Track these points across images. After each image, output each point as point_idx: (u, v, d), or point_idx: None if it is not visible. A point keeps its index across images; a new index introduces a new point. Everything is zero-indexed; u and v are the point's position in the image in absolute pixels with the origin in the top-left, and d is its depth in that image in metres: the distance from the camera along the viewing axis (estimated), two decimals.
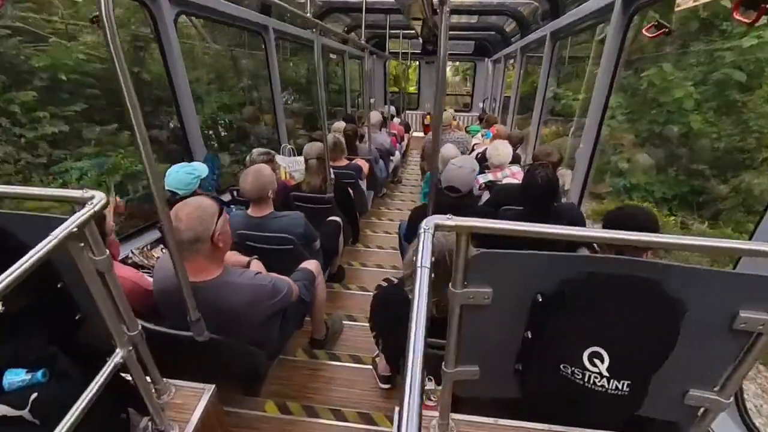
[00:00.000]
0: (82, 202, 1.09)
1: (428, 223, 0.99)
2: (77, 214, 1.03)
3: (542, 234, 0.99)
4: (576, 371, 1.07)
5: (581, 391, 1.08)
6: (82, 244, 1.05)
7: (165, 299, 1.81)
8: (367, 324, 3.02)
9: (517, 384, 1.33)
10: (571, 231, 0.97)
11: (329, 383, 2.45)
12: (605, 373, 1.04)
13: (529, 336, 1.21)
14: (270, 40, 4.47)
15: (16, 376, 1.25)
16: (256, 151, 3.44)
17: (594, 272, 1.02)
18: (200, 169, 2.74)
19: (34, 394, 1.22)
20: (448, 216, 1.01)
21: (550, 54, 4.30)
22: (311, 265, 2.54)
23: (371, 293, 3.47)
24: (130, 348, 1.24)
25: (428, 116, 12.62)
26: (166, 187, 2.58)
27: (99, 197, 1.08)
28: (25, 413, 1.18)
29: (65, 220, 1.09)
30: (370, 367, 2.56)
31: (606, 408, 1.11)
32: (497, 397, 1.57)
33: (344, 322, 3.01)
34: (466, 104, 13.01)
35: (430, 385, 1.61)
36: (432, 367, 1.74)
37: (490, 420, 1.49)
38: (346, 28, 8.55)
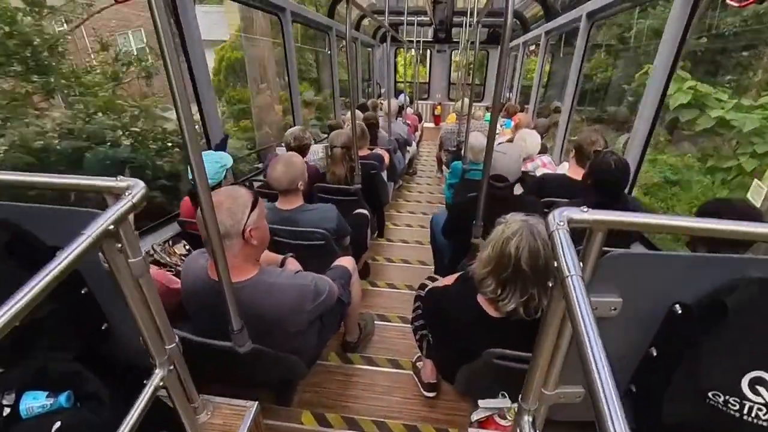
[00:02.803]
0: (117, 193, 0.88)
1: (560, 218, 0.77)
2: (113, 208, 0.82)
3: (708, 231, 0.77)
4: (731, 401, 0.86)
5: (736, 425, 0.87)
6: (120, 245, 0.84)
7: (196, 303, 1.61)
8: (401, 324, 2.84)
9: (629, 409, 1.13)
10: (753, 228, 0.75)
11: (367, 390, 2.25)
12: None
13: (654, 354, 1.00)
14: (287, 23, 4.23)
15: (35, 401, 1.05)
16: (291, 130, 3.24)
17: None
18: (226, 158, 2.53)
19: (57, 423, 1.02)
20: (582, 208, 0.79)
21: (586, 36, 4.05)
22: (346, 261, 2.33)
23: (400, 291, 3.29)
24: (171, 367, 1.03)
25: (439, 106, 12.35)
26: (190, 179, 2.37)
27: (138, 186, 0.88)
28: None
29: (96, 214, 0.88)
30: (410, 372, 2.36)
31: None
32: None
33: (376, 322, 2.81)
34: (477, 94, 12.73)
35: (505, 402, 1.40)
36: (509, 380, 1.55)
37: None
38: (358, 16, 8.28)
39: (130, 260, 0.91)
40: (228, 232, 1.43)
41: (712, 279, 0.87)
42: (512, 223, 1.45)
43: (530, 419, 0.95)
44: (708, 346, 0.87)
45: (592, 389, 0.54)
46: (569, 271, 0.67)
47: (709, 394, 0.88)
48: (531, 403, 0.94)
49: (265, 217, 1.62)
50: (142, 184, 0.90)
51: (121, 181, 0.89)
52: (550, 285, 0.79)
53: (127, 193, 0.87)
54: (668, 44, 2.45)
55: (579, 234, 0.80)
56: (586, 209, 0.79)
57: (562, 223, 0.77)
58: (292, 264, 1.95)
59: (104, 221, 0.79)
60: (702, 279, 0.88)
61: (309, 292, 1.60)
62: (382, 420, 2.01)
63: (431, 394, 2.17)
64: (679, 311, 0.90)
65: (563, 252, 0.71)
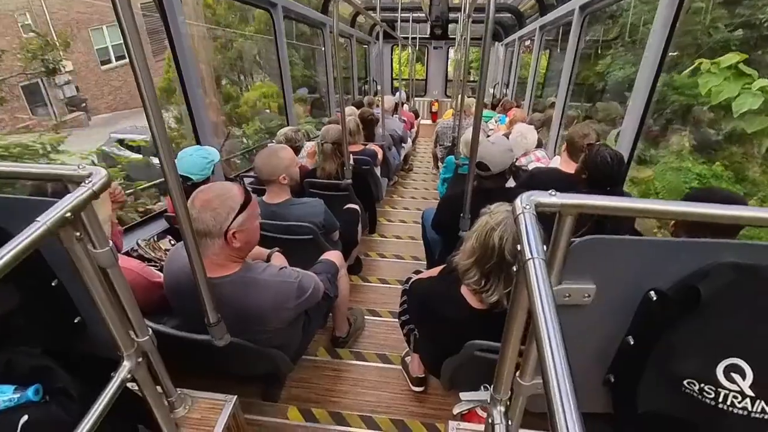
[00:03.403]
0: (77, 181, 0.86)
1: (527, 201, 0.75)
2: (70, 195, 0.80)
3: (684, 215, 0.75)
4: (706, 389, 0.84)
5: (712, 413, 0.85)
6: (78, 234, 0.82)
7: (178, 295, 1.59)
8: (391, 319, 2.82)
9: (609, 398, 1.11)
10: (738, 211, 0.73)
11: (356, 386, 2.23)
12: (748, 392, 0.81)
13: (631, 342, 0.98)
14: (278, 18, 4.20)
15: (2, 395, 1.03)
16: (283, 130, 3.22)
17: (743, 264, 0.79)
18: (213, 153, 2.50)
19: (24, 417, 1.00)
20: (550, 192, 0.77)
21: (579, 30, 4.02)
22: (333, 256, 2.31)
23: (392, 286, 3.27)
24: (140, 359, 1.01)
25: (436, 103, 12.31)
26: (179, 172, 2.35)
27: (99, 174, 0.85)
28: None
29: (55, 202, 0.86)
30: (399, 367, 2.34)
31: None
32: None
33: (366, 317, 2.79)
34: (474, 90, 12.68)
35: (486, 395, 1.38)
36: (488, 372, 1.53)
37: None
38: (354, 12, 8.24)
39: (95, 251, 0.89)
40: (209, 231, 1.41)
41: (687, 264, 0.85)
42: (497, 213, 1.43)
43: (502, 409, 0.93)
44: (682, 333, 0.85)
45: (546, 379, 0.51)
46: (531, 254, 0.65)
47: (685, 383, 0.86)
48: (503, 393, 0.92)
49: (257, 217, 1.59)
50: (104, 172, 0.88)
51: (82, 169, 0.86)
52: (515, 270, 0.77)
53: (87, 181, 0.85)
54: (658, 34, 2.42)
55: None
56: (554, 193, 0.77)
57: (528, 207, 0.75)
58: (278, 259, 1.93)
59: (59, 209, 0.77)
60: (677, 264, 0.86)
61: (292, 289, 1.57)
62: (369, 415, 1.99)
63: (419, 389, 2.16)
64: (654, 298, 0.88)
65: (527, 235, 0.69)
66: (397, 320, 2.74)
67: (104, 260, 0.93)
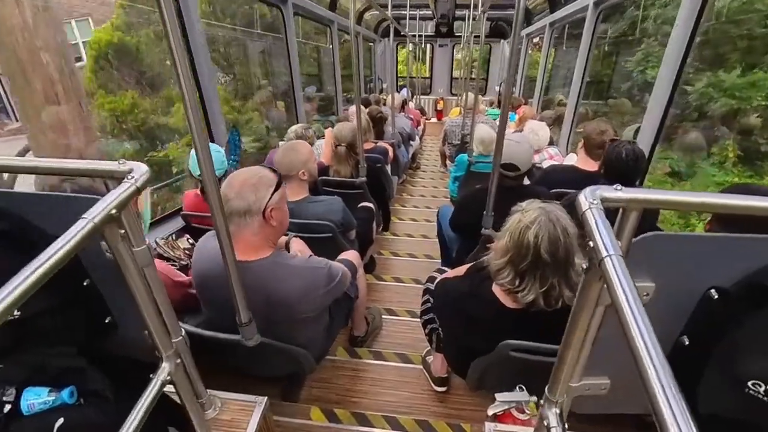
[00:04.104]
0: (119, 177, 0.83)
1: (592, 197, 0.72)
2: (116, 191, 0.77)
3: (756, 209, 0.72)
4: None
5: None
6: (123, 231, 0.79)
7: (206, 285, 1.57)
8: (409, 319, 2.80)
9: None
10: None
11: (375, 385, 2.21)
12: None
13: (686, 342, 0.95)
14: (289, 15, 4.17)
15: (37, 397, 1.00)
16: (293, 127, 3.19)
17: None
18: (222, 150, 2.49)
19: (60, 420, 0.98)
20: (615, 186, 0.74)
21: (593, 27, 3.98)
22: (351, 255, 2.28)
23: (408, 285, 3.24)
24: (178, 360, 0.99)
25: (441, 101, 12.26)
26: (195, 173, 2.32)
27: (141, 170, 0.83)
28: None
29: (96, 200, 0.83)
30: (419, 367, 2.31)
31: None
32: (620, 413, 1.33)
33: (383, 316, 2.76)
34: (480, 88, 12.63)
35: (523, 396, 1.35)
36: (527, 372, 1.50)
37: None
38: (361, 9, 8.20)
39: (134, 249, 0.86)
40: (250, 209, 1.44)
41: (750, 261, 0.82)
42: (529, 211, 1.40)
43: (558, 411, 0.90)
44: (748, 332, 0.82)
45: (645, 378, 0.49)
46: (608, 251, 0.62)
47: (749, 384, 0.83)
48: (559, 395, 0.89)
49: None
50: (145, 167, 0.85)
51: (123, 165, 0.84)
52: (584, 267, 0.74)
53: (129, 177, 0.82)
54: (680, 29, 2.38)
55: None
56: (619, 187, 0.74)
57: (595, 202, 0.72)
58: (297, 244, 1.90)
59: (106, 204, 0.74)
60: (739, 261, 0.83)
61: (322, 276, 1.57)
62: (392, 415, 1.96)
63: (441, 389, 2.13)
64: (715, 296, 0.85)
65: (599, 231, 0.66)
66: (415, 319, 2.73)
67: (142, 259, 0.91)
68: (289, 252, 1.79)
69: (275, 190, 1.49)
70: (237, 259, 1.32)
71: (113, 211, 0.76)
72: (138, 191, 0.82)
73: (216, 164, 2.29)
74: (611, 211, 0.73)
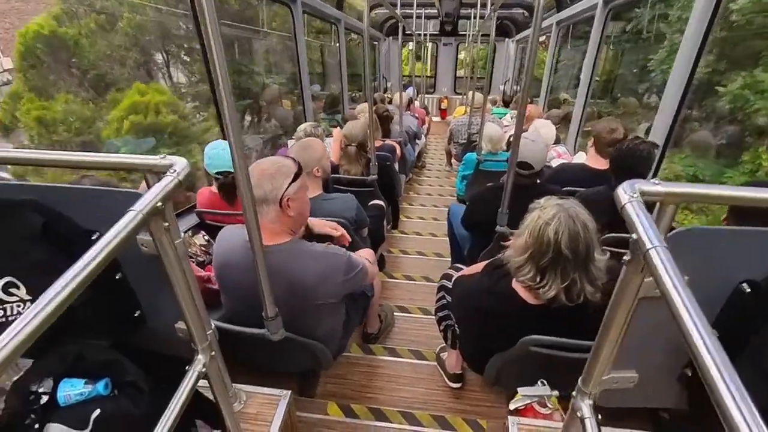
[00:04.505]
0: (159, 171, 0.84)
1: (631, 190, 0.73)
2: (161, 184, 0.78)
3: None
4: None
5: None
6: (167, 224, 0.80)
7: (228, 275, 1.60)
8: (421, 316, 2.81)
9: (683, 393, 1.09)
10: None
11: (390, 381, 2.23)
12: None
13: (716, 336, 0.96)
14: (298, 13, 4.18)
15: (73, 388, 1.02)
16: (303, 126, 3.20)
17: None
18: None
19: (97, 411, 0.99)
20: (653, 180, 0.75)
21: (602, 25, 3.98)
22: (366, 254, 2.29)
23: (419, 282, 3.26)
24: (213, 353, 1.00)
25: (445, 100, 12.26)
26: (214, 171, 2.33)
27: (182, 164, 0.84)
28: None
29: (133, 194, 0.85)
30: (432, 363, 2.33)
31: None
32: (646, 407, 1.34)
33: (395, 314, 2.78)
34: (481, 87, 12.63)
35: (545, 390, 1.37)
36: (548, 368, 1.51)
37: None
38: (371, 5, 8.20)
39: (175, 242, 0.88)
40: (266, 198, 1.46)
41: None
42: (548, 207, 1.41)
43: (591, 403, 0.91)
44: None
45: (704, 370, 0.50)
46: (652, 243, 0.63)
47: None
48: (592, 387, 0.90)
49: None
50: (185, 162, 0.87)
51: (164, 159, 0.85)
52: (627, 259, 0.75)
53: (171, 170, 0.83)
54: (694, 28, 2.39)
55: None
56: (658, 181, 0.76)
57: (635, 195, 0.73)
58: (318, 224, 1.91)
59: (153, 196, 0.76)
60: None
61: (342, 263, 1.59)
62: (409, 411, 1.98)
63: (456, 385, 2.14)
64: (747, 290, 0.86)
65: (642, 223, 0.67)
66: (426, 317, 2.75)
67: (181, 251, 0.92)
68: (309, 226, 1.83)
69: (293, 180, 1.51)
70: None
71: (159, 204, 0.77)
72: (180, 184, 0.83)
73: (226, 161, 2.32)
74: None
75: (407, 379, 2.25)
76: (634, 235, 0.67)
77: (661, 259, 0.61)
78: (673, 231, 0.82)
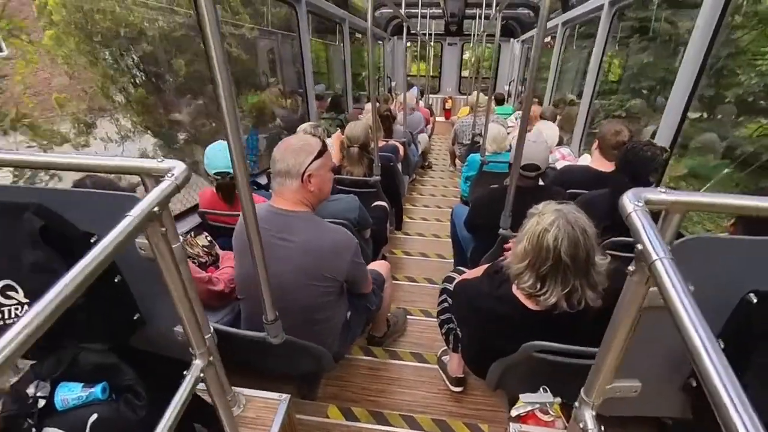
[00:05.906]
0: (157, 175, 0.83)
1: (636, 199, 0.72)
2: (158, 188, 0.77)
3: None
4: None
5: None
6: (164, 229, 0.79)
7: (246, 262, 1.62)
8: (424, 318, 2.80)
9: (688, 403, 1.07)
10: None
11: (391, 384, 2.21)
12: None
13: (721, 346, 0.95)
14: (302, 13, 4.17)
15: (71, 392, 1.02)
16: (303, 126, 3.20)
17: None
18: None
19: (94, 416, 0.99)
20: (659, 188, 0.74)
21: (608, 25, 3.95)
22: (381, 267, 2.29)
23: (422, 284, 3.25)
24: (210, 357, 0.99)
25: (449, 100, 12.23)
26: (212, 171, 2.33)
27: (181, 168, 0.83)
28: None
29: (132, 197, 0.84)
30: (434, 366, 2.32)
31: None
32: (649, 416, 1.33)
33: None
34: (486, 88, 12.59)
35: (548, 397, 1.35)
36: (550, 374, 1.50)
37: None
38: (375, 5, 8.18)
39: (172, 246, 0.87)
40: (289, 171, 1.56)
41: None
42: (546, 213, 1.38)
43: (594, 413, 0.90)
44: None
45: (706, 380, 0.49)
46: (658, 254, 0.62)
47: None
48: (596, 397, 0.89)
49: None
50: (184, 165, 0.86)
51: (162, 163, 0.84)
52: (631, 269, 0.73)
53: (169, 175, 0.82)
54: (701, 30, 2.36)
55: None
56: (664, 189, 0.74)
57: (640, 204, 0.71)
58: None
59: (150, 202, 0.75)
60: None
61: (352, 242, 1.66)
62: (410, 414, 1.97)
63: (458, 389, 2.13)
64: (755, 300, 0.84)
65: (648, 234, 0.66)
66: (429, 319, 2.73)
67: (179, 255, 0.91)
68: None
69: (315, 158, 1.58)
70: (279, 207, 1.58)
71: (156, 209, 0.76)
72: (178, 189, 0.82)
73: (226, 163, 2.32)
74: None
75: (409, 382, 2.23)
76: (639, 246, 0.66)
77: (666, 270, 0.60)
78: (679, 240, 0.80)
